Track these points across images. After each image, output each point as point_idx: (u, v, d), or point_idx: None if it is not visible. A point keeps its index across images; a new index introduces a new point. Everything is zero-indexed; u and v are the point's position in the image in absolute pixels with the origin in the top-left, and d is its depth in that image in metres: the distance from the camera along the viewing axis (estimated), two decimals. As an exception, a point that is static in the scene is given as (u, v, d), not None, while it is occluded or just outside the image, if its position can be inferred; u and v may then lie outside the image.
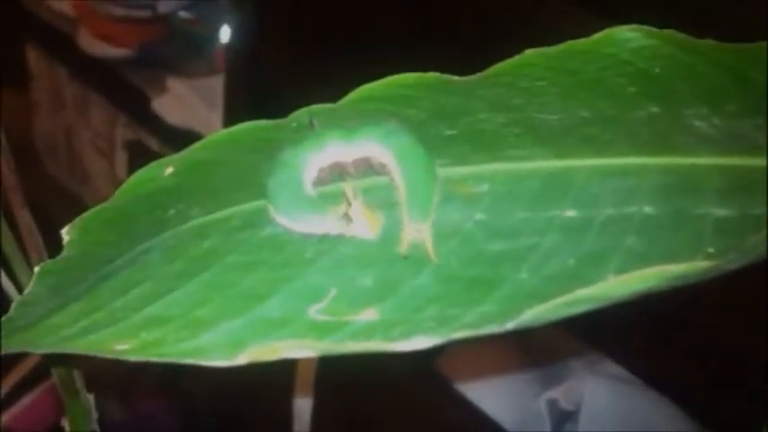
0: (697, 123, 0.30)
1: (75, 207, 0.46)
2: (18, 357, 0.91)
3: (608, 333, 0.73)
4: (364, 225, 0.27)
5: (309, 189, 0.28)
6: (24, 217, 0.37)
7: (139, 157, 1.14)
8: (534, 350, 0.82)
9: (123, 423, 1.00)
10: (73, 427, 0.36)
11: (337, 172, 0.29)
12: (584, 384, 0.77)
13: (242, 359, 0.23)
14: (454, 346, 0.83)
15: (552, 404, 0.78)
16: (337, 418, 0.83)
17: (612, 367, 0.76)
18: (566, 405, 0.77)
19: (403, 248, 0.26)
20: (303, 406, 0.75)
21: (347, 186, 0.27)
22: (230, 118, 0.99)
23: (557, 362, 0.81)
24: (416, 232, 0.27)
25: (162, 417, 1.04)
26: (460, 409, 0.78)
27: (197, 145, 0.34)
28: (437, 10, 0.79)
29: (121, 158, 1.24)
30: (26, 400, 0.95)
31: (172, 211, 0.31)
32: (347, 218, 0.27)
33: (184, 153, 0.34)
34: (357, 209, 0.27)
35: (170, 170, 0.34)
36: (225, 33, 1.11)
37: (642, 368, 0.73)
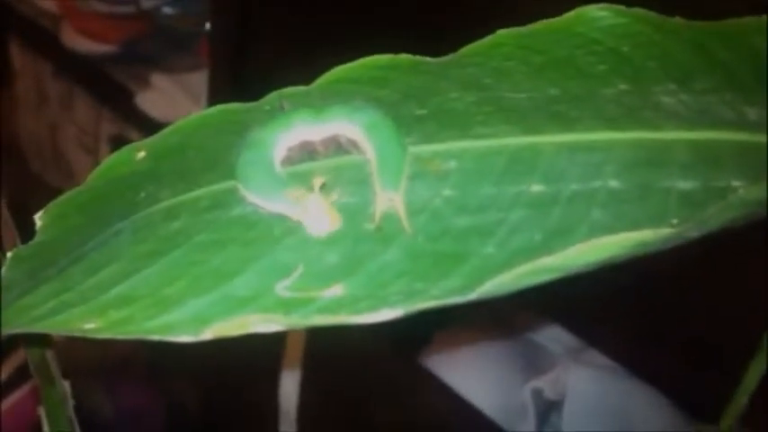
0: (665, 99, 0.31)
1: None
2: (12, 347, 0.91)
3: (593, 322, 0.73)
4: (318, 219, 0.26)
5: (278, 168, 0.28)
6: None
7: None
8: (519, 340, 0.82)
9: (109, 417, 0.99)
10: (49, 413, 0.36)
11: (306, 151, 0.29)
12: (568, 374, 0.77)
13: (208, 334, 0.23)
14: (440, 337, 0.83)
15: (537, 394, 0.78)
16: (324, 414, 0.83)
17: (597, 356, 0.76)
18: (550, 394, 0.77)
19: (376, 219, 0.26)
20: (289, 401, 0.75)
21: (317, 177, 0.27)
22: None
23: (541, 352, 0.81)
24: (389, 201, 0.27)
25: (148, 410, 1.04)
26: (446, 399, 0.78)
27: (169, 129, 0.34)
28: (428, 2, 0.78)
29: (106, 154, 1.24)
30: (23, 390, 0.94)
31: (143, 194, 0.31)
32: (301, 204, 0.26)
33: (156, 137, 0.34)
34: (315, 201, 0.26)
35: (142, 154, 0.34)
36: (208, 29, 1.11)
37: (627, 357, 0.73)
